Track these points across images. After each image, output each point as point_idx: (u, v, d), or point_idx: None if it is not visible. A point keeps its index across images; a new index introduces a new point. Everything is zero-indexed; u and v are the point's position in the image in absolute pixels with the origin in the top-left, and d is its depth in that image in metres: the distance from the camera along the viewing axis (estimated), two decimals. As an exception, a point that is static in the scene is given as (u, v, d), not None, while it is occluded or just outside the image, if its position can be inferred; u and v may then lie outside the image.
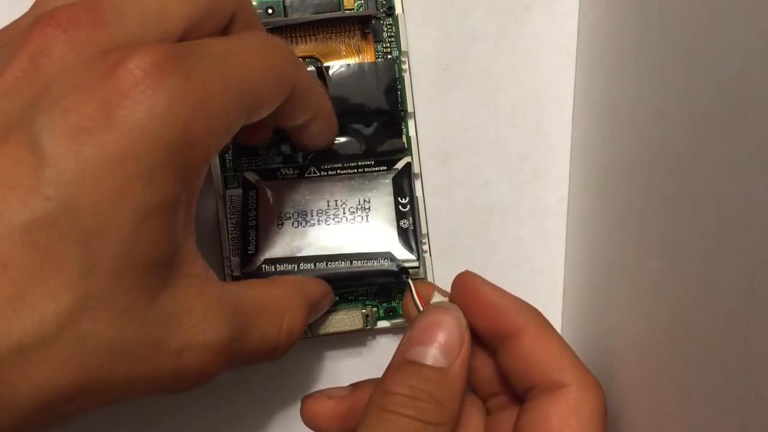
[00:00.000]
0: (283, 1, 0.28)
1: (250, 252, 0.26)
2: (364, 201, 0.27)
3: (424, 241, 0.28)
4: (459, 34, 0.30)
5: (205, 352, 0.20)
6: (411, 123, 0.28)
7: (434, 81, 0.29)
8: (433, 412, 0.21)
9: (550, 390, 0.22)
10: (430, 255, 0.28)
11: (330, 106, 0.26)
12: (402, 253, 0.26)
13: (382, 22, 0.28)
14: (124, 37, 0.19)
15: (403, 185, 0.27)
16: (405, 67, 0.28)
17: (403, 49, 0.28)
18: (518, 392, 0.23)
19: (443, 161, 0.29)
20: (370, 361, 0.29)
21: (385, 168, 0.27)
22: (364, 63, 0.28)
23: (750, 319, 0.17)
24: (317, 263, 0.26)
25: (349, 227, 0.26)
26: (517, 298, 0.24)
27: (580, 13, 0.30)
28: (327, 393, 0.25)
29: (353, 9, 0.28)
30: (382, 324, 0.28)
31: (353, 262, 0.26)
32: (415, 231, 0.27)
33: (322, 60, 0.28)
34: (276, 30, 0.28)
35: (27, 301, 0.17)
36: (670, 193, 0.21)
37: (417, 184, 0.28)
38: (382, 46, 0.28)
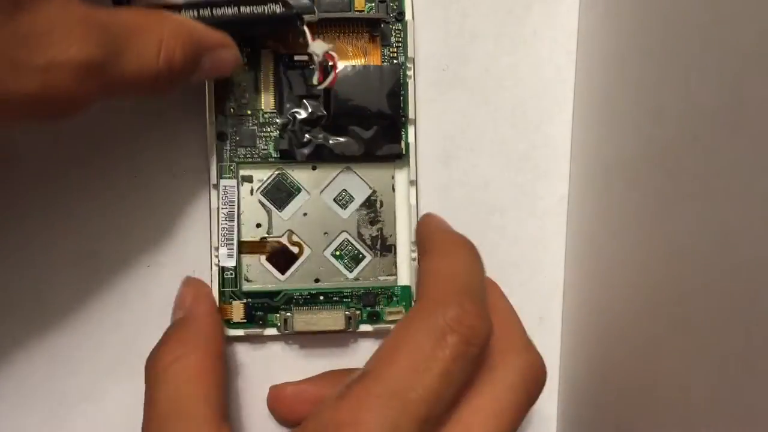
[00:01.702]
0: None
1: None
2: None
3: (413, 248, 0.28)
4: (459, 34, 0.30)
5: (74, 69, 0.19)
6: (411, 129, 0.28)
7: (434, 81, 0.29)
8: None
9: None
10: (417, 262, 0.28)
11: (217, 37, 0.23)
12: None
13: (391, 26, 0.28)
14: None
15: None
16: (410, 73, 0.28)
17: (409, 56, 0.28)
18: None
19: (443, 161, 0.29)
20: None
21: None
22: (370, 65, 0.28)
23: (750, 319, 0.17)
24: (200, 10, 0.23)
25: None
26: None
27: (580, 13, 0.30)
28: (292, 383, 0.27)
29: (363, 11, 0.28)
30: (365, 327, 0.28)
31: (241, 7, 0.23)
32: None
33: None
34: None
35: None
36: (670, 193, 0.21)
37: (412, 191, 0.28)
38: (389, 51, 0.28)
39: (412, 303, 0.28)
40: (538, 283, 0.30)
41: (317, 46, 0.24)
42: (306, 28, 0.24)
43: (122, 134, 0.28)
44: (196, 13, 0.23)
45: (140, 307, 0.28)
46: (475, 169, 0.30)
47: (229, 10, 0.23)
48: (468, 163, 0.30)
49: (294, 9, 0.23)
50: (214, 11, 0.23)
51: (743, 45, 0.18)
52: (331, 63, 0.26)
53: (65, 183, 0.27)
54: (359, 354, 0.29)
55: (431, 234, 0.26)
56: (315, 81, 0.26)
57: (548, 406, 0.30)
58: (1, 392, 0.28)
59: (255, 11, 0.23)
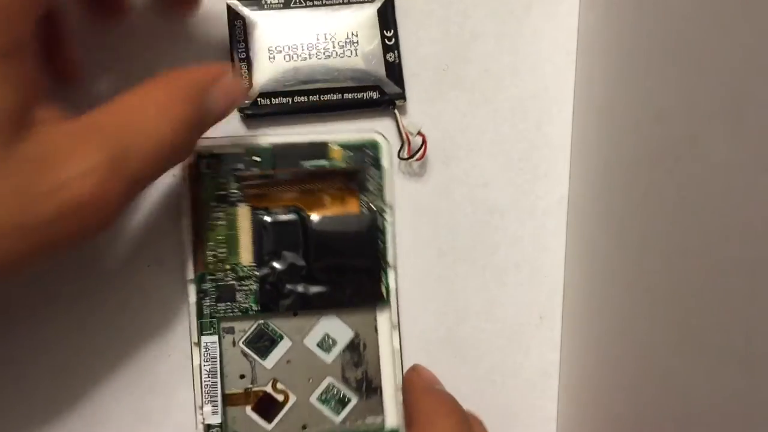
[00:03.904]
0: (272, 149, 0.28)
1: (245, 86, 0.27)
2: (352, 35, 0.28)
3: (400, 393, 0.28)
4: (459, 34, 0.30)
5: (89, 176, 0.19)
6: (392, 274, 0.28)
7: (434, 81, 0.29)
8: None
9: None
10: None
11: None
12: (389, 86, 0.28)
13: (368, 174, 0.28)
14: None
15: (388, 17, 0.28)
16: (388, 218, 0.28)
17: (387, 201, 0.28)
18: None
19: (443, 161, 0.29)
20: None
21: None
22: (348, 214, 0.28)
23: (750, 319, 0.17)
24: (310, 96, 0.28)
25: (340, 61, 0.28)
26: None
27: (580, 13, 0.30)
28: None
29: (340, 159, 0.28)
30: None
31: (344, 95, 0.28)
32: (400, 64, 0.28)
33: (306, 210, 0.28)
34: (261, 177, 0.27)
35: None
36: (670, 193, 0.21)
37: (395, 334, 0.28)
38: (367, 197, 0.28)
39: None
40: (538, 283, 0.30)
41: (412, 126, 0.28)
42: (397, 111, 0.28)
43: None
44: (306, 98, 0.28)
45: (140, 308, 0.28)
46: (475, 169, 0.30)
47: (335, 96, 0.28)
48: (468, 163, 0.30)
49: (388, 96, 0.28)
50: (321, 97, 0.28)
51: (743, 45, 0.18)
52: (422, 140, 0.28)
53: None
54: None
55: (416, 401, 0.26)
56: (404, 155, 0.28)
57: (548, 406, 0.30)
58: (2, 393, 0.28)
59: (356, 97, 0.28)
